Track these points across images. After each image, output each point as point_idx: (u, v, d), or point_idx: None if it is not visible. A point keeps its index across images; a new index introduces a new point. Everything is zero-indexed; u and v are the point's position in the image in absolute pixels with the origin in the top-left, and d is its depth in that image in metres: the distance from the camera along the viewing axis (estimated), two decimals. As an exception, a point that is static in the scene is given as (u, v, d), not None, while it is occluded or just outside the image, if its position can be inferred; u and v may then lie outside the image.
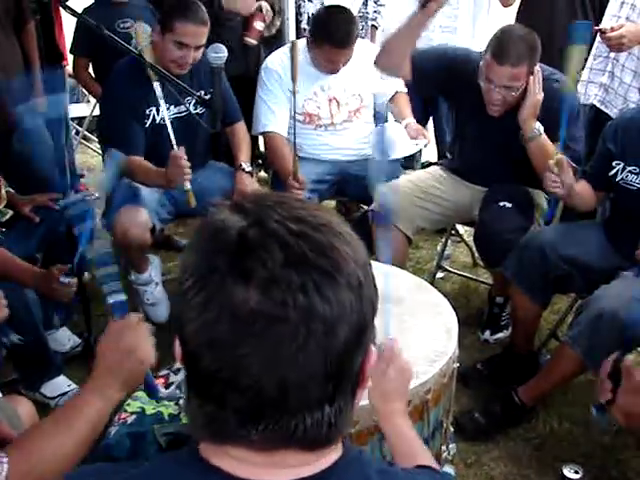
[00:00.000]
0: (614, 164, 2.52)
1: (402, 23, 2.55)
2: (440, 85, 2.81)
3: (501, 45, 2.51)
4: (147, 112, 2.88)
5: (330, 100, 3.22)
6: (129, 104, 2.84)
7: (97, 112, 4.59)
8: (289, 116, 3.16)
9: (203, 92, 2.91)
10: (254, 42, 3.67)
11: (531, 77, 2.54)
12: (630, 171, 2.48)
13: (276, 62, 3.21)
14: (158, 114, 2.89)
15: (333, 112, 3.23)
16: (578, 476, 2.12)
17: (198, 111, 2.96)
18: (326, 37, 3.07)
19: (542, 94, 2.56)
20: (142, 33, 2.87)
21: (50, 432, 1.29)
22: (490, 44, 2.56)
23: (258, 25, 3.66)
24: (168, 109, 2.88)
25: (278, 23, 3.96)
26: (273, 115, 3.17)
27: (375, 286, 0.77)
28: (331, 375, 0.71)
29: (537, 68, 2.56)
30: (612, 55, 3.11)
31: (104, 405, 1.31)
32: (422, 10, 2.42)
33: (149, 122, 2.90)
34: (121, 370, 1.32)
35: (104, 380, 1.32)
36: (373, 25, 3.98)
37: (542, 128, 2.57)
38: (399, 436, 1.26)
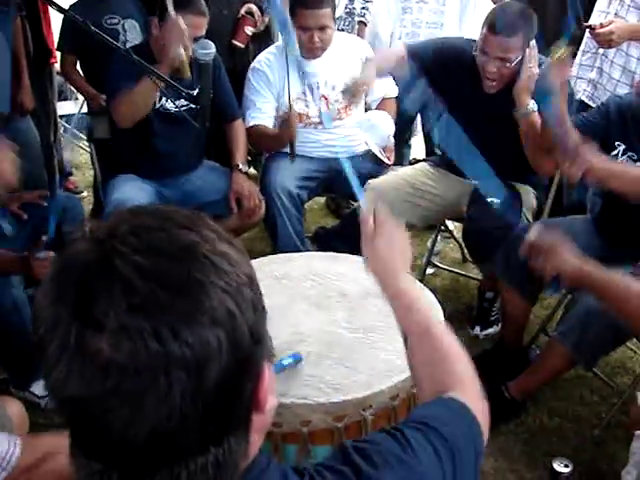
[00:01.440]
0: (616, 144, 2.49)
1: None
2: (431, 71, 2.82)
3: (496, 17, 2.57)
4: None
5: (320, 98, 3.21)
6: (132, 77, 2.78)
7: (85, 110, 4.57)
8: (276, 113, 3.15)
9: (199, 88, 2.90)
10: (242, 46, 3.67)
11: (527, 51, 2.56)
12: (629, 157, 2.47)
13: (264, 62, 3.19)
14: (159, 101, 2.89)
15: (322, 110, 3.22)
16: (568, 470, 2.13)
17: (191, 107, 2.95)
18: (299, 3, 3.05)
19: (537, 69, 2.58)
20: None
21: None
22: (486, 18, 2.61)
23: (248, 30, 3.66)
24: (166, 102, 2.88)
25: (267, 19, 3.95)
26: (259, 112, 3.16)
27: (258, 307, 0.70)
28: (210, 418, 0.66)
29: (533, 43, 2.58)
30: (601, 51, 3.12)
31: None
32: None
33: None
34: None
35: None
36: (361, 21, 3.97)
37: (536, 106, 2.59)
38: (407, 310, 1.15)
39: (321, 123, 3.23)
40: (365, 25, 3.93)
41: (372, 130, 3.16)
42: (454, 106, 2.90)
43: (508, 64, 2.58)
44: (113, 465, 0.66)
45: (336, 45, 3.19)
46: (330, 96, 3.22)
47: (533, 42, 2.59)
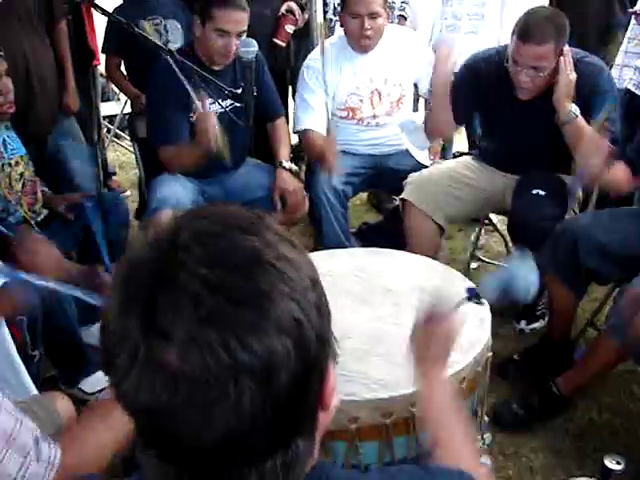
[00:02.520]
0: None
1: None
2: (471, 106, 2.86)
3: (526, 25, 2.50)
4: (193, 106, 2.88)
5: (372, 92, 3.19)
6: (173, 95, 2.83)
7: (128, 110, 4.64)
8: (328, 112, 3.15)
9: (243, 85, 2.91)
10: (283, 44, 3.69)
11: (561, 58, 2.51)
12: None
13: (318, 60, 3.17)
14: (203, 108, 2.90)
15: (375, 104, 3.21)
16: (620, 467, 2.08)
17: (237, 105, 2.96)
18: None
19: (574, 74, 2.52)
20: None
21: (100, 424, 1.35)
22: (516, 26, 2.55)
23: (289, 28, 3.67)
24: (214, 103, 2.90)
25: (306, 16, 3.95)
26: (313, 112, 3.14)
27: (323, 309, 0.71)
28: (279, 423, 0.67)
29: (567, 48, 2.53)
30: (649, 38, 3.05)
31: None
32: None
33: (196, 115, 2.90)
34: None
35: None
36: (401, 15, 3.95)
37: (578, 110, 2.53)
38: (434, 405, 1.24)
39: (374, 117, 3.22)
40: (405, 19, 3.91)
41: (415, 133, 3.14)
42: (491, 116, 2.88)
43: (541, 73, 2.52)
44: (184, 467, 0.68)
45: (388, 38, 3.17)
46: (383, 90, 3.20)
47: (567, 48, 2.53)
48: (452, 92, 2.83)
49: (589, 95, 2.56)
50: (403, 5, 3.95)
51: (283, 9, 3.67)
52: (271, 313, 0.64)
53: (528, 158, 2.76)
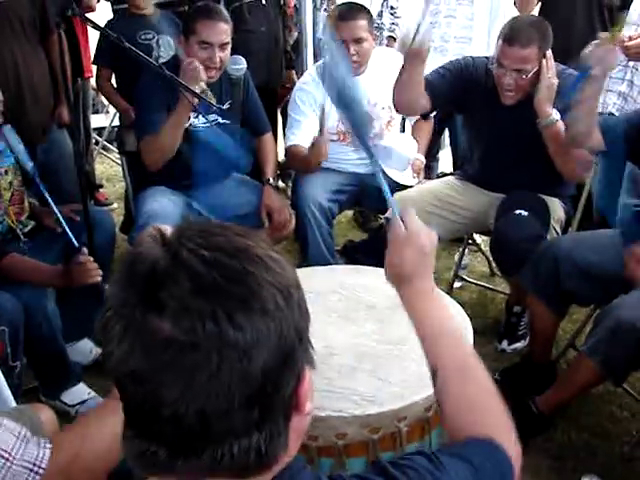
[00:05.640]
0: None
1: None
2: (454, 98, 2.86)
3: (511, 29, 2.61)
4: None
5: None
6: (162, 97, 2.87)
7: (116, 123, 4.65)
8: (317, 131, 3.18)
9: (230, 102, 2.93)
10: None
11: (543, 61, 2.58)
12: None
13: (310, 81, 3.22)
14: (188, 120, 2.92)
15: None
16: (598, 487, 2.11)
17: (225, 122, 2.99)
18: (335, 16, 3.11)
19: (556, 79, 2.59)
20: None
21: (96, 422, 1.35)
22: (501, 31, 2.65)
23: None
24: (197, 118, 2.92)
25: (296, 34, 4.00)
26: (301, 132, 3.16)
27: (303, 309, 0.76)
28: (254, 401, 0.71)
29: (549, 53, 2.60)
30: (631, 64, 3.11)
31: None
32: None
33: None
34: None
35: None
36: (391, 36, 4.00)
37: (559, 115, 2.59)
38: (423, 322, 1.14)
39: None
40: (394, 40, 3.96)
41: (390, 157, 3.16)
42: (476, 123, 2.92)
43: (524, 75, 2.60)
44: (162, 442, 0.72)
45: (376, 61, 3.21)
46: (372, 114, 3.23)
47: (549, 52, 2.60)
48: (440, 72, 2.86)
49: (570, 104, 2.62)
50: (393, 27, 4.00)
51: None
52: (258, 294, 0.71)
53: (511, 169, 2.80)
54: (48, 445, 1.27)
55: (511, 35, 2.57)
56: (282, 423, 0.76)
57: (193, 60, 2.72)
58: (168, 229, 0.77)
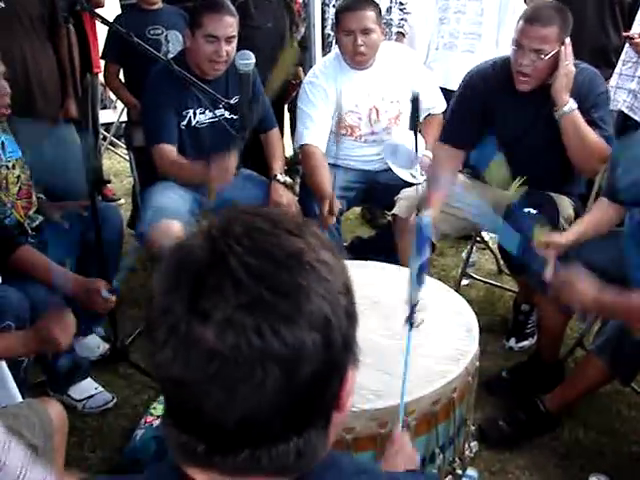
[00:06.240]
0: None
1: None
2: (478, 126, 2.84)
3: (532, 9, 2.63)
4: (184, 113, 2.93)
5: (370, 109, 3.21)
6: (168, 99, 2.89)
7: (124, 118, 4.65)
8: (330, 129, 3.15)
9: (238, 97, 2.93)
10: None
11: (562, 48, 2.56)
12: None
13: (320, 74, 3.20)
14: (195, 117, 2.93)
15: (373, 122, 3.23)
16: (605, 486, 2.10)
17: (232, 116, 2.99)
18: (341, 8, 3.11)
19: (574, 67, 2.57)
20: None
21: None
22: (523, 13, 2.64)
23: None
24: (203, 113, 2.92)
25: (303, 30, 3.98)
26: (315, 127, 3.14)
27: (351, 315, 0.75)
28: (295, 411, 0.71)
29: (568, 40, 2.58)
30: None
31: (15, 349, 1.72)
32: None
33: (185, 122, 2.94)
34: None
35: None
36: (400, 32, 3.98)
37: (576, 105, 2.57)
38: None
39: (373, 134, 3.24)
40: (403, 36, 3.94)
41: (397, 153, 3.15)
42: (488, 122, 2.89)
43: (542, 56, 2.56)
44: (201, 439, 0.72)
45: (385, 55, 3.19)
46: (381, 107, 3.23)
47: (568, 40, 2.58)
48: (457, 108, 2.86)
49: (585, 97, 2.61)
50: (402, 22, 3.99)
51: None
52: (305, 308, 0.69)
53: (522, 166, 2.78)
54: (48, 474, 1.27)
55: (532, 14, 2.57)
56: (323, 426, 0.76)
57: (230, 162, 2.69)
58: (213, 220, 0.75)
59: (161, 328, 0.70)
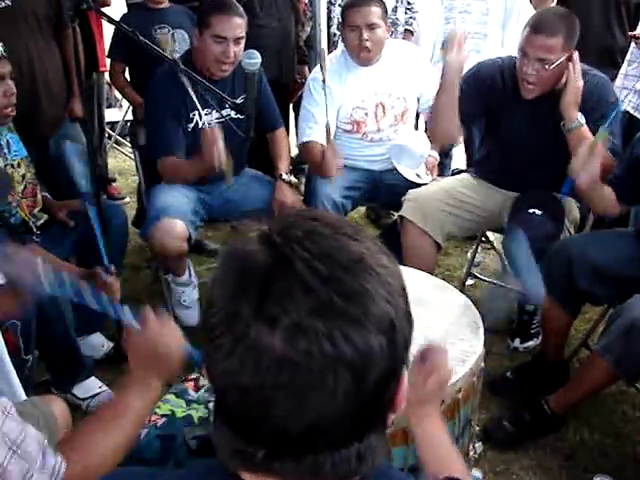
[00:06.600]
0: None
1: (437, 92, 2.74)
2: (479, 111, 2.85)
3: (538, 18, 2.60)
4: (190, 115, 2.92)
5: (377, 105, 3.21)
6: (172, 106, 2.89)
7: (129, 117, 4.66)
8: (334, 125, 3.14)
9: (244, 97, 2.93)
10: None
11: (570, 64, 2.55)
12: None
13: (325, 73, 3.19)
14: (201, 118, 2.93)
15: (379, 118, 3.22)
16: (610, 487, 2.10)
17: (238, 116, 2.99)
18: (347, 4, 3.12)
19: (582, 82, 2.56)
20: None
21: (100, 431, 1.35)
22: (529, 20, 2.62)
23: None
24: (210, 114, 2.92)
25: (309, 29, 3.98)
26: (317, 125, 3.13)
27: (410, 316, 0.75)
28: (360, 417, 0.71)
29: (576, 55, 2.57)
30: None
31: (144, 404, 1.38)
32: (446, 69, 2.64)
33: (192, 125, 2.94)
34: (156, 370, 1.39)
35: (142, 381, 1.38)
36: (408, 30, 3.97)
37: (584, 119, 2.57)
38: (432, 442, 1.24)
39: (379, 131, 3.23)
40: (412, 34, 3.93)
41: (403, 155, 3.15)
42: (494, 122, 2.90)
43: (547, 66, 2.55)
44: (262, 445, 0.71)
45: (391, 52, 3.19)
46: (387, 103, 3.22)
47: (576, 55, 2.57)
48: (460, 92, 2.84)
49: (595, 106, 2.60)
50: (410, 20, 3.98)
51: None
52: (373, 312, 0.69)
53: (529, 167, 2.78)
54: (60, 459, 1.26)
55: (537, 24, 2.54)
56: (381, 429, 0.76)
57: (217, 133, 2.69)
58: (268, 224, 0.74)
59: (225, 335, 0.68)
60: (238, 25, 2.83)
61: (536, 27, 2.53)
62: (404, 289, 0.75)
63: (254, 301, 0.67)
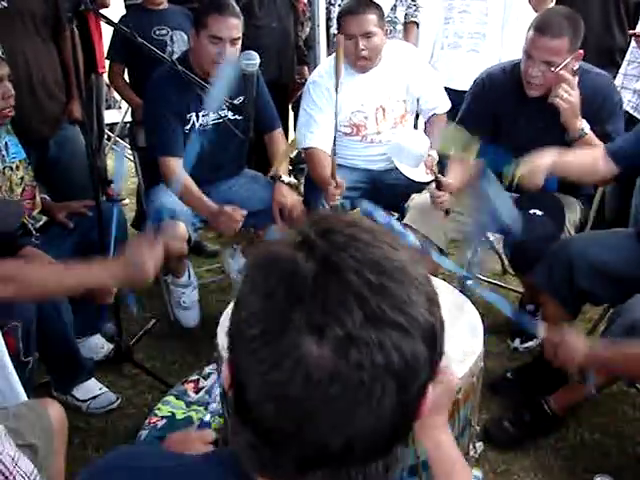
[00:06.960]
0: None
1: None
2: (488, 123, 2.85)
3: (543, 18, 2.57)
4: (187, 117, 2.92)
5: (377, 109, 3.20)
6: (171, 107, 2.88)
7: (129, 118, 4.65)
8: (334, 129, 3.15)
9: (242, 98, 2.92)
10: None
11: (561, 83, 2.52)
12: None
13: (324, 74, 3.18)
14: (198, 120, 2.93)
15: (379, 121, 3.22)
16: (610, 487, 2.10)
17: (236, 117, 2.98)
18: (343, 11, 3.11)
19: (577, 92, 2.54)
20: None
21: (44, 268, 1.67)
22: (533, 21, 2.60)
23: None
24: (207, 115, 2.92)
25: (308, 29, 3.98)
26: (318, 129, 3.12)
27: (444, 324, 0.74)
28: (397, 428, 0.70)
29: (573, 78, 2.54)
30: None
31: (102, 278, 1.70)
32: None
33: (189, 126, 2.93)
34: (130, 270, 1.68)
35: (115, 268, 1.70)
36: (413, 21, 3.96)
37: (588, 127, 2.55)
38: (440, 453, 1.23)
39: (379, 134, 3.23)
40: (417, 25, 3.91)
41: (402, 154, 3.14)
42: (498, 123, 2.88)
43: (553, 68, 2.54)
44: (294, 458, 0.70)
45: (390, 54, 3.18)
46: (387, 106, 3.22)
47: (575, 81, 2.55)
48: (466, 116, 2.87)
49: (602, 106, 2.61)
50: (415, 13, 3.97)
51: None
52: (418, 320, 0.68)
53: None
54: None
55: (542, 25, 2.52)
56: (405, 438, 0.76)
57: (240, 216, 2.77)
58: (310, 232, 0.71)
59: (270, 347, 0.66)
60: (234, 26, 2.83)
61: (541, 29, 2.51)
62: (437, 296, 0.74)
63: (303, 311, 0.65)
